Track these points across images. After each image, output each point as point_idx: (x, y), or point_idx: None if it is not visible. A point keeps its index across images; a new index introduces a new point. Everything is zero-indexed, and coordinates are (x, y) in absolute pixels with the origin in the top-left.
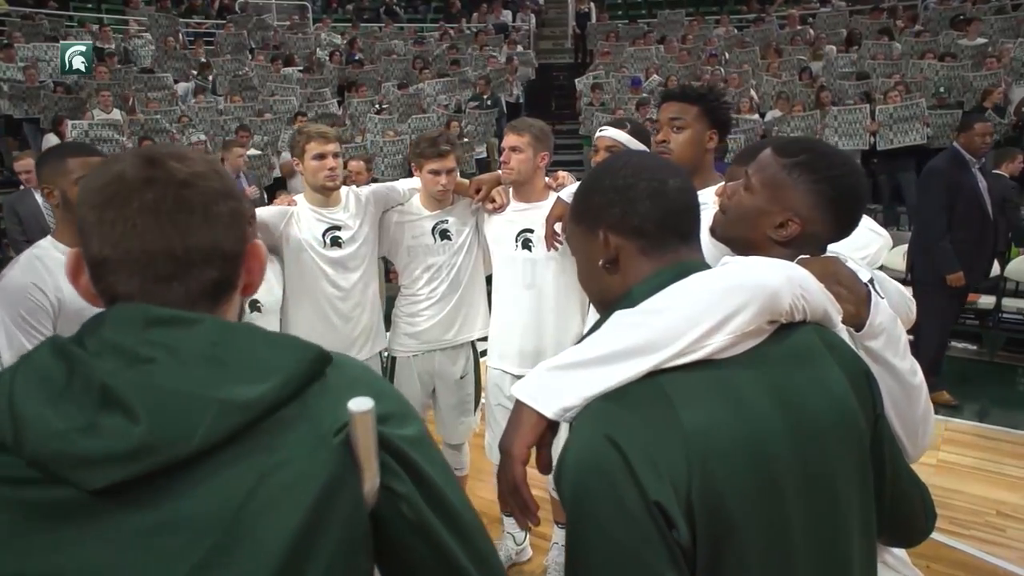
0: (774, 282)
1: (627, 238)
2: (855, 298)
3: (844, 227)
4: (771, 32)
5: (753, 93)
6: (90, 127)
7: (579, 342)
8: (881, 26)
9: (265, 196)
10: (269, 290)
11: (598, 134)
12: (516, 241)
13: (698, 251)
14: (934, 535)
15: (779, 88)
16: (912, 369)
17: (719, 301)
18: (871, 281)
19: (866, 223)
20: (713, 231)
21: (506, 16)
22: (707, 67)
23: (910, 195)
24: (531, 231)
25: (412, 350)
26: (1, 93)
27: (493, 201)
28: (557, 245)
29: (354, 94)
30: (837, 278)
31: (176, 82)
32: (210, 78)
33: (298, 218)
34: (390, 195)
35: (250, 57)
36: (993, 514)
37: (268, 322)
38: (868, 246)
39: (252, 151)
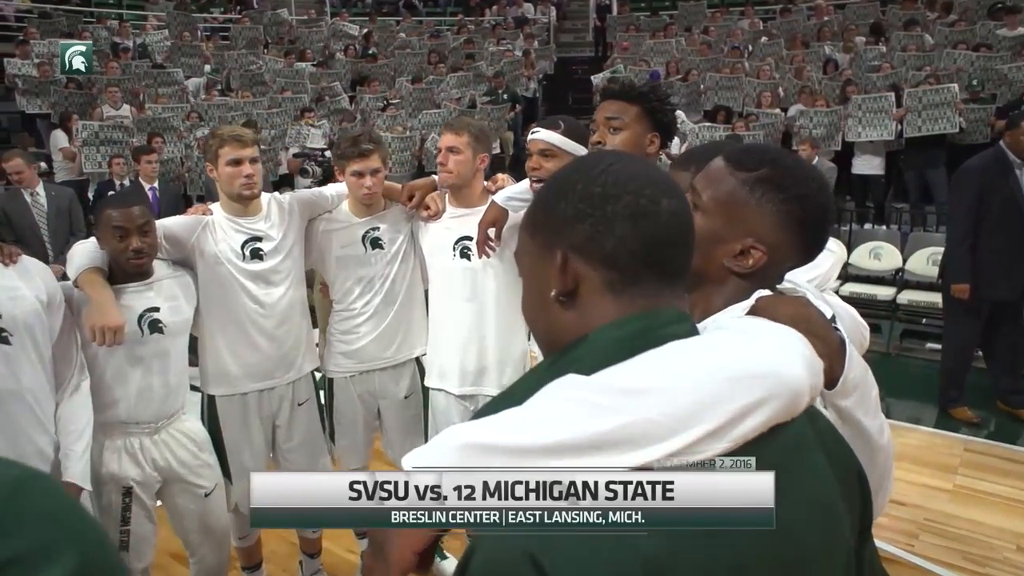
0: (795, 374)
1: (593, 266)
2: (829, 351)
3: (811, 253)
4: (798, 24)
5: (781, 90)
6: (100, 128)
7: (511, 394)
8: (910, 17)
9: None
10: (176, 309)
11: (530, 136)
12: (454, 250)
13: (682, 297)
14: (943, 572)
15: (801, 83)
16: (880, 428)
17: (725, 395)
18: (833, 318)
19: None
20: None
21: (527, 9)
22: (729, 59)
23: (939, 194)
24: (470, 239)
25: (349, 370)
26: (17, 89)
27: (428, 208)
28: (489, 252)
29: (366, 89)
30: (808, 326)
31: (188, 77)
32: (223, 74)
33: (213, 228)
34: (317, 201)
35: (265, 51)
36: (1013, 549)
37: (173, 344)
38: (819, 265)
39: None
